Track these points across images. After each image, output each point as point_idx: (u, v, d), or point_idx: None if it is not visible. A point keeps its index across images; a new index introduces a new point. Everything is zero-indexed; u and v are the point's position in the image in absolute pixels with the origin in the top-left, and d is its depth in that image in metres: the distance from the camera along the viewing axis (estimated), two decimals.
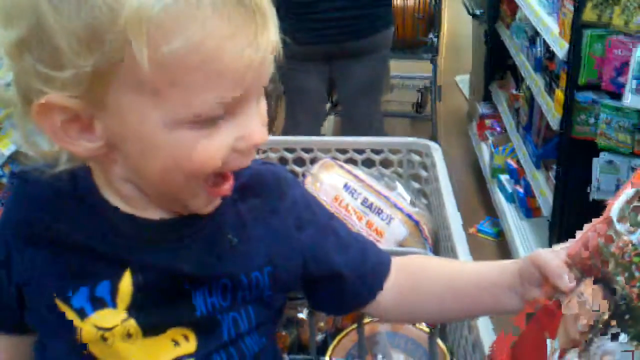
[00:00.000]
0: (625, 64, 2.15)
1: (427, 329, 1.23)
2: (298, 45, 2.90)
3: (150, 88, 0.63)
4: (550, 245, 2.62)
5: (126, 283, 0.75)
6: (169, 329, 0.77)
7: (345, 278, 0.86)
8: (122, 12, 0.60)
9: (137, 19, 0.60)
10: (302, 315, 1.33)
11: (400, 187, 1.58)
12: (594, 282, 0.74)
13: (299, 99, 3.04)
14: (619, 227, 0.73)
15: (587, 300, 0.74)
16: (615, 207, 0.74)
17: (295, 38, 2.87)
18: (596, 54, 2.31)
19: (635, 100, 2.13)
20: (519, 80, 3.45)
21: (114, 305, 0.75)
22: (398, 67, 4.52)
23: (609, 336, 0.70)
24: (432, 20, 4.14)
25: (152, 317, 0.76)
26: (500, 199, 3.38)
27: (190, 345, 0.77)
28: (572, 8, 2.36)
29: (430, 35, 4.16)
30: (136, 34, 0.60)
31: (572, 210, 2.55)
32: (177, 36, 0.61)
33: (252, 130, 0.70)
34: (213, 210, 0.77)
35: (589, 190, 2.44)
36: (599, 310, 0.72)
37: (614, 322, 0.71)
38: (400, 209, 1.42)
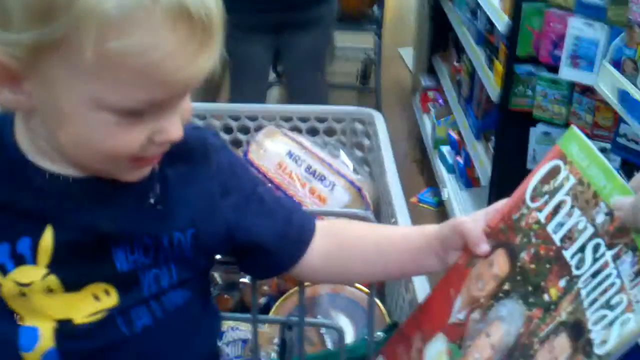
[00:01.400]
0: (562, 37, 2.21)
1: (366, 290, 1.27)
2: (242, 14, 2.88)
3: (85, 71, 0.65)
4: None
5: (47, 240, 0.76)
6: (89, 284, 0.78)
7: (267, 245, 0.88)
8: None
9: (92, 9, 0.61)
10: (245, 279, 1.35)
11: (343, 155, 1.60)
12: (502, 250, 0.79)
13: (244, 69, 3.03)
14: (530, 204, 0.78)
15: (493, 265, 0.79)
16: (530, 184, 0.79)
17: (239, 8, 2.86)
18: (534, 27, 2.36)
19: (569, 72, 2.19)
20: (460, 52, 3.50)
21: (34, 261, 0.76)
22: (341, 39, 4.53)
23: (503, 299, 0.76)
24: None
25: (72, 272, 0.77)
26: (441, 169, 3.45)
27: (111, 299, 0.79)
28: None
29: (374, 7, 4.18)
30: (87, 23, 0.62)
31: (510, 180, 2.60)
32: (124, 37, 0.63)
33: (171, 126, 0.72)
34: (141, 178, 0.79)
35: (525, 161, 2.52)
36: (500, 275, 0.78)
37: (508, 285, 0.77)
38: (343, 176, 1.45)
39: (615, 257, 0.67)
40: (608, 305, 0.65)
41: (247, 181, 0.90)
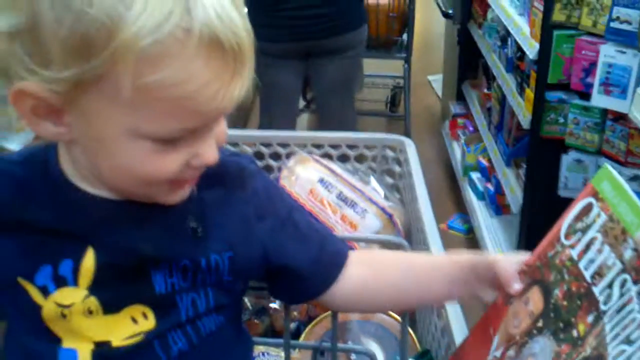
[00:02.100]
0: (593, 64, 2.20)
1: (397, 317, 1.26)
2: (270, 42, 2.92)
3: (122, 104, 0.67)
4: (518, 242, 2.66)
5: (88, 262, 0.78)
6: (128, 306, 0.80)
7: (300, 269, 0.90)
8: (117, 35, 0.63)
9: (129, 46, 0.63)
10: (275, 304, 1.35)
11: (374, 182, 1.61)
12: (537, 287, 0.80)
13: (274, 95, 3.06)
14: (564, 241, 0.79)
15: (528, 303, 0.81)
16: (564, 222, 0.80)
17: (269, 35, 2.90)
18: (565, 54, 2.36)
19: (600, 99, 2.18)
20: (490, 79, 3.50)
21: (75, 283, 0.78)
22: (370, 66, 4.56)
23: (536, 336, 0.76)
24: (405, 19, 4.17)
25: (112, 294, 0.79)
26: (471, 196, 3.43)
27: (148, 322, 0.81)
28: (541, 8, 2.41)
29: (403, 35, 4.20)
30: (125, 59, 0.64)
31: (541, 207, 2.60)
32: (160, 70, 0.65)
33: (206, 150, 0.75)
34: (180, 200, 0.81)
35: (557, 188, 2.50)
36: (534, 312, 0.78)
37: (541, 322, 0.77)
38: (374, 203, 1.46)
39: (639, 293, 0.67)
40: (628, 340, 0.65)
41: (282, 206, 0.91)
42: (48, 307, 0.78)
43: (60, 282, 0.78)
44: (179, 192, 0.79)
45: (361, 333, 1.28)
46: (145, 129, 0.69)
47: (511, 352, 0.79)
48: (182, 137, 0.72)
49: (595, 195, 0.77)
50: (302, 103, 4.12)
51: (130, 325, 0.80)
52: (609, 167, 0.77)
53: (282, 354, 1.14)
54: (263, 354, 1.22)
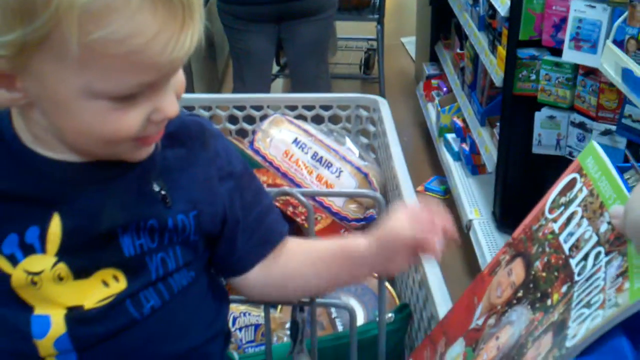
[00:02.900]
0: (564, 19, 2.20)
1: (375, 275, 1.28)
2: (243, 5, 2.90)
3: (72, 62, 0.66)
4: (494, 201, 2.66)
5: (55, 228, 0.77)
6: (98, 270, 0.80)
7: (233, 238, 0.91)
8: None
9: (70, 3, 0.62)
10: None
11: (349, 142, 1.61)
12: (520, 259, 0.82)
13: (247, 60, 3.04)
14: (548, 215, 0.82)
15: (511, 274, 0.83)
16: (550, 196, 0.82)
17: None
18: (536, 10, 2.36)
19: (571, 54, 2.19)
20: (463, 39, 3.50)
21: (43, 250, 0.77)
22: (343, 29, 4.53)
23: (515, 305, 0.78)
24: None
25: (81, 259, 0.78)
26: (447, 157, 3.44)
27: (120, 284, 0.81)
28: None
29: None
30: (68, 17, 0.63)
31: (516, 165, 2.62)
32: (105, 26, 0.64)
33: (166, 104, 0.74)
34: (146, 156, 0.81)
35: (531, 146, 2.52)
36: (516, 283, 0.80)
37: (521, 292, 0.79)
38: (349, 162, 1.46)
39: (607, 263, 0.69)
40: (587, 304, 0.67)
41: (238, 170, 0.92)
42: (17, 275, 0.77)
43: (28, 249, 0.77)
44: (144, 148, 0.79)
45: (341, 291, 1.29)
46: (99, 87, 0.68)
47: (491, 321, 0.81)
48: (140, 93, 0.71)
49: (579, 170, 0.78)
50: (276, 68, 4.10)
51: (102, 289, 0.80)
52: (594, 142, 0.79)
53: (263, 313, 1.15)
54: (244, 314, 1.23)
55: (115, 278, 0.80)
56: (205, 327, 0.91)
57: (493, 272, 0.86)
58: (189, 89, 3.34)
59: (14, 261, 0.77)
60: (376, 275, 1.30)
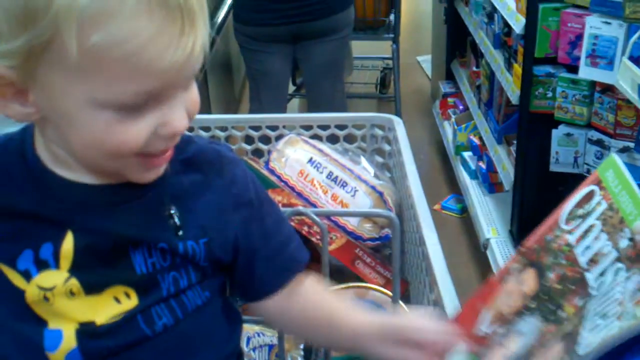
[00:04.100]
0: (580, 36, 2.20)
1: (390, 294, 1.27)
2: (258, 26, 2.92)
3: (75, 70, 0.67)
4: (511, 219, 2.63)
5: (68, 245, 0.78)
6: (109, 287, 0.80)
7: (253, 265, 0.91)
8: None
9: (68, 7, 0.63)
10: None
11: (364, 161, 1.61)
12: (532, 269, 0.81)
13: (263, 81, 3.05)
14: (564, 227, 0.80)
15: (522, 283, 0.82)
16: (566, 207, 0.81)
17: (256, 19, 2.89)
18: (551, 27, 2.35)
19: (587, 71, 2.18)
20: (478, 57, 3.50)
21: (56, 266, 0.79)
22: (359, 49, 4.55)
23: (526, 316, 0.77)
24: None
25: (93, 276, 0.79)
26: (463, 175, 3.43)
27: (131, 302, 0.81)
28: None
29: (391, 15, 4.18)
30: (66, 21, 0.64)
31: (533, 183, 2.61)
32: (102, 29, 0.65)
33: (173, 118, 0.73)
34: (154, 179, 0.81)
35: (548, 163, 2.50)
36: (527, 293, 0.79)
37: (532, 302, 0.79)
38: (364, 182, 1.46)
39: (627, 279, 0.69)
40: (603, 316, 0.67)
41: (255, 197, 0.91)
42: (31, 290, 0.79)
43: (42, 265, 0.79)
44: (152, 169, 0.79)
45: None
46: (103, 96, 0.68)
47: (501, 330, 0.81)
48: (145, 104, 0.71)
49: (598, 183, 0.78)
50: (292, 88, 4.12)
51: (114, 305, 0.81)
52: (614, 156, 0.78)
53: (277, 334, 1.14)
54: (258, 334, 1.22)
55: (127, 295, 0.81)
56: (218, 348, 0.91)
57: (502, 280, 0.85)
58: (206, 110, 3.37)
59: (27, 277, 0.79)
60: (390, 294, 1.29)
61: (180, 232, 0.83)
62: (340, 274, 1.26)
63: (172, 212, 0.82)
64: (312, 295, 0.94)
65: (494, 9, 2.98)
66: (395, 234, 1.01)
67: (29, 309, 0.80)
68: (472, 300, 0.89)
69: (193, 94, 0.77)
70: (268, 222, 0.92)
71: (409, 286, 1.28)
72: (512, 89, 2.66)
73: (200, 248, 0.84)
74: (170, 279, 0.83)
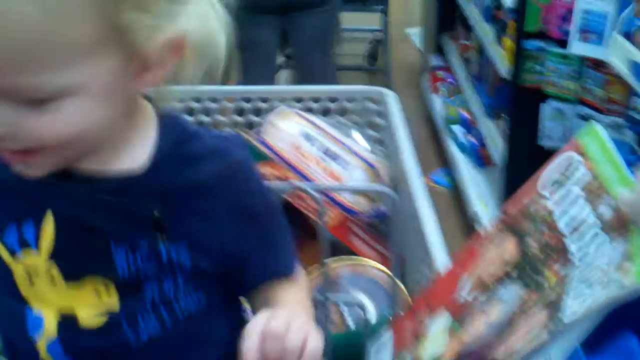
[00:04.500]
0: (570, 11, 2.19)
1: (386, 271, 1.27)
2: None
3: None
4: (501, 194, 2.63)
5: (48, 226, 0.75)
6: (88, 276, 0.76)
7: (243, 263, 0.85)
8: None
9: None
10: None
11: (357, 135, 1.60)
12: (513, 236, 0.81)
13: (251, 52, 3.03)
14: (542, 192, 0.79)
15: (503, 251, 0.81)
16: (544, 173, 0.80)
17: None
18: (542, 1, 2.35)
19: (578, 47, 2.18)
20: (469, 30, 3.48)
21: (37, 247, 0.76)
22: (347, 20, 4.50)
23: (507, 283, 0.77)
24: None
25: (72, 264, 0.76)
26: (453, 149, 3.44)
27: (111, 298, 0.77)
28: None
29: None
30: None
31: (523, 158, 2.62)
32: None
33: None
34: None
35: (538, 138, 2.51)
36: (508, 260, 0.79)
37: (514, 270, 0.78)
38: (358, 156, 1.45)
39: (612, 248, 0.68)
40: (589, 285, 0.67)
41: (258, 202, 0.84)
42: (17, 269, 0.77)
43: (24, 244, 0.76)
44: (15, 165, 0.71)
45: (351, 287, 1.29)
46: None
47: (481, 297, 0.81)
48: None
49: (579, 150, 0.77)
50: (281, 60, 4.08)
51: (93, 298, 0.77)
52: (596, 125, 0.77)
53: None
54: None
55: (107, 288, 0.77)
56: (214, 352, 0.86)
57: (482, 247, 0.84)
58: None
59: (13, 254, 0.77)
60: (386, 269, 1.30)
61: (163, 235, 0.77)
62: (335, 250, 1.26)
63: (155, 212, 0.76)
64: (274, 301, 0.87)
65: None
66: (394, 211, 1.01)
67: (16, 287, 0.78)
68: (452, 267, 0.89)
69: (49, 117, 0.65)
70: (266, 231, 0.85)
71: (405, 262, 1.29)
72: (502, 62, 2.66)
73: (182, 253, 0.78)
74: (155, 283, 0.78)
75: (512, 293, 0.76)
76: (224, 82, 3.83)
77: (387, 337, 0.98)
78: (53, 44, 0.61)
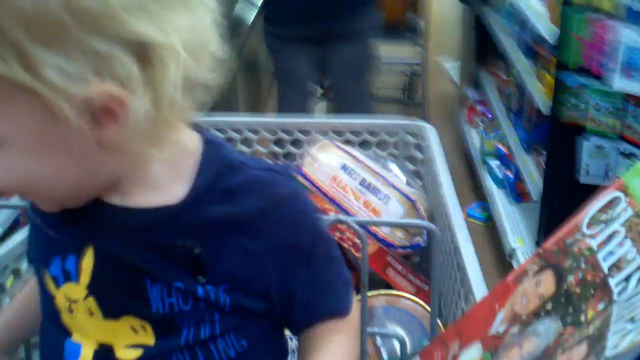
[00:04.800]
0: (614, 47, 2.17)
1: (422, 303, 1.26)
2: (287, 27, 2.93)
3: None
4: (539, 230, 2.61)
5: (88, 260, 0.75)
6: (125, 316, 0.75)
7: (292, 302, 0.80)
8: None
9: None
10: None
11: (395, 168, 1.60)
12: (551, 271, 0.80)
13: (289, 82, 3.07)
14: (585, 231, 0.80)
15: (539, 285, 0.81)
16: (588, 212, 0.81)
17: (283, 19, 2.90)
18: (585, 37, 2.33)
19: (621, 83, 2.16)
20: (508, 65, 3.48)
21: (77, 279, 0.76)
22: (384, 52, 4.52)
23: (543, 318, 0.77)
24: (420, 3, 4.16)
25: (109, 301, 0.75)
26: (489, 184, 3.41)
27: (148, 336, 0.75)
28: None
29: (415, 18, 4.18)
30: None
31: (561, 194, 2.59)
32: None
33: None
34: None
35: (577, 175, 2.48)
36: (544, 295, 0.79)
37: (550, 305, 0.78)
38: (397, 189, 1.45)
39: None
40: (631, 320, 0.66)
41: (305, 236, 0.79)
42: (59, 298, 0.78)
43: (66, 275, 0.76)
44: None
45: (386, 319, 1.28)
46: None
47: (514, 330, 0.80)
48: None
49: (623, 190, 0.77)
50: (316, 90, 4.12)
51: (131, 334, 0.75)
52: None
53: None
54: (290, 338, 1.22)
55: (144, 329, 0.75)
56: None
57: (518, 281, 0.84)
58: (235, 110, 3.37)
59: (57, 284, 0.78)
60: (421, 302, 1.29)
61: (201, 274, 0.73)
62: (370, 281, 1.26)
63: (193, 248, 0.73)
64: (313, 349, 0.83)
65: (526, 17, 2.96)
66: (436, 246, 1.00)
67: (58, 315, 0.79)
68: (487, 300, 0.89)
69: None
70: (316, 265, 0.79)
71: (440, 296, 1.28)
72: (542, 98, 2.64)
73: (221, 294, 0.74)
74: (192, 325, 0.74)
75: (547, 327, 0.76)
76: (262, 111, 3.87)
77: None
78: None
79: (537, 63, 2.83)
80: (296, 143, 1.68)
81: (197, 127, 0.78)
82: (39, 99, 0.59)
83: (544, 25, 2.59)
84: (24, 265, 1.23)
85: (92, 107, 0.62)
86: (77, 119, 0.61)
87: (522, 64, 3.00)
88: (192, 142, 0.77)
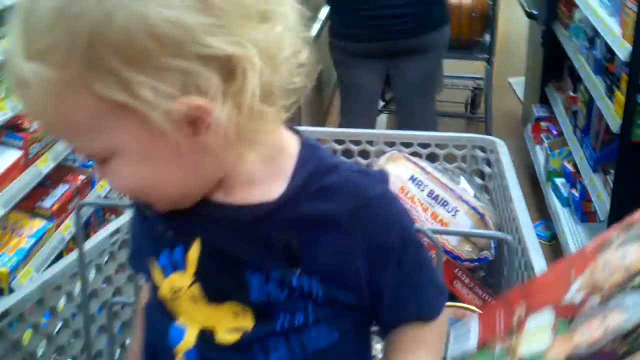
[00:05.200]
0: None
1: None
2: (354, 42, 2.95)
3: None
4: None
5: (194, 250, 0.81)
6: (228, 301, 0.81)
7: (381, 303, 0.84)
8: None
9: None
10: None
11: (463, 181, 1.60)
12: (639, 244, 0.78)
13: (355, 95, 3.08)
14: None
15: (625, 257, 0.77)
16: None
17: (351, 35, 2.92)
18: None
19: None
20: (576, 82, 3.42)
21: (184, 269, 0.82)
22: (450, 67, 4.52)
23: (630, 291, 0.74)
24: (487, 19, 4.13)
25: (213, 287, 0.81)
26: (554, 202, 3.35)
27: (248, 320, 0.81)
28: (635, 8, 2.34)
29: (485, 35, 4.15)
30: None
31: (628, 213, 2.52)
32: None
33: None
34: (277, 202, 0.79)
35: None
36: (630, 267, 0.76)
37: (638, 279, 0.74)
38: (465, 202, 1.45)
39: None
40: None
41: (397, 239, 0.81)
42: (164, 287, 0.84)
43: (174, 265, 0.83)
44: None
45: None
46: None
47: (594, 300, 0.77)
48: None
49: None
50: (380, 103, 4.13)
51: (232, 318, 0.81)
52: None
53: None
54: None
55: (245, 313, 0.81)
56: None
57: (599, 251, 0.80)
58: (297, 122, 3.40)
59: (164, 274, 0.84)
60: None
61: (295, 264, 0.79)
62: None
63: (290, 241, 0.78)
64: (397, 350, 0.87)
65: (596, 34, 2.91)
66: (511, 257, 1.00)
67: (162, 303, 0.86)
68: (561, 267, 0.86)
69: (108, 172, 0.75)
70: (406, 268, 0.82)
71: None
72: (612, 116, 2.59)
73: (314, 285, 0.79)
74: (288, 313, 0.80)
75: (636, 301, 0.73)
76: (324, 122, 3.90)
77: (472, 323, 0.95)
78: (66, 121, 0.70)
79: (607, 80, 2.78)
80: (363, 154, 1.70)
81: (295, 130, 0.85)
82: (138, 114, 0.67)
83: (616, 42, 2.54)
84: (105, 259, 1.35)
85: (183, 117, 0.68)
86: (172, 129, 0.68)
87: (591, 80, 2.95)
88: (290, 144, 0.83)
